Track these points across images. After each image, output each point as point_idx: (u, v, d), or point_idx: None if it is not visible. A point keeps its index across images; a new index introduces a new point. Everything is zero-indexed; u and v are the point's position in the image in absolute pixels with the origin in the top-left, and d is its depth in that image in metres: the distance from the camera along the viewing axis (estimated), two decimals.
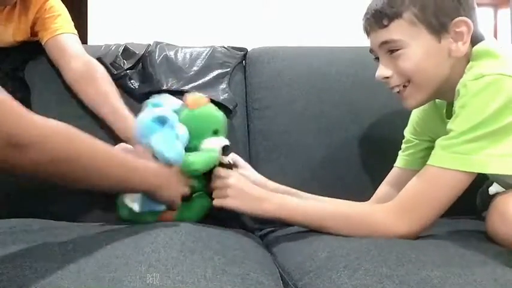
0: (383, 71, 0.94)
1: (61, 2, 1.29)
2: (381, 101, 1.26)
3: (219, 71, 1.33)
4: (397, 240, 0.82)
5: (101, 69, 1.21)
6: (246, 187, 0.98)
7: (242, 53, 1.38)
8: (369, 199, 1.12)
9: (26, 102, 1.22)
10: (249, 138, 1.28)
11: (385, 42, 0.92)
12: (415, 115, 1.12)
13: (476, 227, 0.94)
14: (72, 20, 1.29)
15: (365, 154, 1.23)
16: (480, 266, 0.70)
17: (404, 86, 0.93)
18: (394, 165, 1.12)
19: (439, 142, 0.87)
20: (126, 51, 1.32)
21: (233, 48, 1.39)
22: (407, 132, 1.13)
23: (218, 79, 1.31)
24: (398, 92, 0.95)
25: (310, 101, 1.28)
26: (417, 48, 0.89)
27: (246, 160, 1.24)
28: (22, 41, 1.26)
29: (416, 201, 0.85)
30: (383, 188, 1.11)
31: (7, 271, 0.64)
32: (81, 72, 1.19)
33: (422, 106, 1.03)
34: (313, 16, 2.33)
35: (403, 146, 1.13)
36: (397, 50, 0.90)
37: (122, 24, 2.26)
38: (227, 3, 2.34)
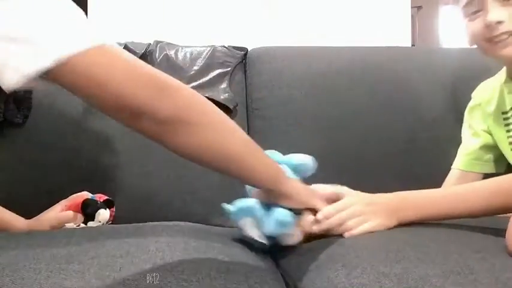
0: (497, 14, 0.92)
1: None
2: (381, 101, 1.26)
3: (220, 70, 1.33)
4: (395, 237, 0.82)
5: None
6: (369, 201, 0.87)
7: (242, 52, 1.38)
8: None
9: (27, 101, 1.22)
10: None
11: None
12: (469, 117, 1.15)
13: (476, 222, 0.94)
14: None
15: (365, 154, 1.24)
16: (480, 263, 0.69)
17: None
18: (456, 167, 1.13)
19: None
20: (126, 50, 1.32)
21: (233, 47, 1.39)
22: (470, 136, 1.14)
23: (218, 78, 1.31)
24: (499, 40, 0.93)
25: (310, 101, 1.28)
26: None
27: None
28: None
29: None
30: None
31: (10, 273, 0.64)
32: None
33: (479, 101, 1.11)
34: (312, 16, 2.33)
35: (465, 148, 1.14)
36: None
37: (122, 23, 2.26)
38: (227, 3, 2.34)
